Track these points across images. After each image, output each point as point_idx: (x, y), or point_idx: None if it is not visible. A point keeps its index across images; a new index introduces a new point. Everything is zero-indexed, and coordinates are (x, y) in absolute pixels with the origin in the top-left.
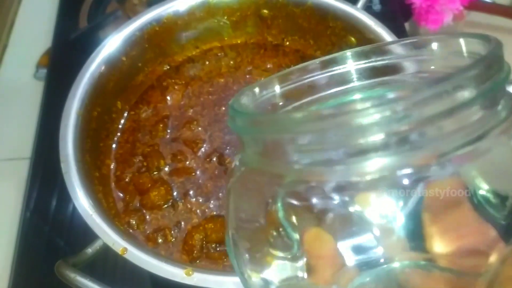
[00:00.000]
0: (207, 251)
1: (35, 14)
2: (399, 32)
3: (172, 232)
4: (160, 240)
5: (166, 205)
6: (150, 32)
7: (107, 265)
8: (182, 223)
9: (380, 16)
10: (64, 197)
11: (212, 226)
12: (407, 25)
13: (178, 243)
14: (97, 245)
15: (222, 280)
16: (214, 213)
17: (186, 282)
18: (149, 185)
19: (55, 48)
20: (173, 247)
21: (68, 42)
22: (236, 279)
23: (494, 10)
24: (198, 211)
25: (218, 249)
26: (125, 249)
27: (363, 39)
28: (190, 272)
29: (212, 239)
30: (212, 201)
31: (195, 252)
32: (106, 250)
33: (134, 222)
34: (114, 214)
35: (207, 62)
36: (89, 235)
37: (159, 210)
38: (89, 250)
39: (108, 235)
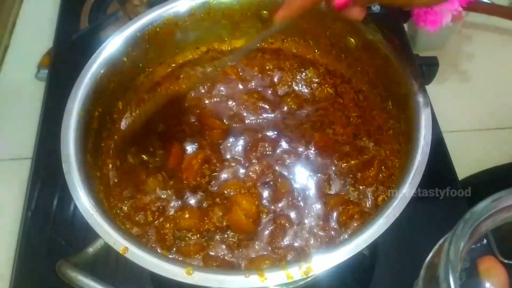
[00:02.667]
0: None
1: (37, 15)
2: (398, 33)
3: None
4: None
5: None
6: (151, 33)
7: (108, 264)
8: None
9: (379, 17)
10: (65, 196)
11: (181, 214)
12: (406, 26)
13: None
14: (98, 244)
15: (223, 279)
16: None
17: (187, 281)
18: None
19: (56, 48)
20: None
21: (69, 42)
22: (236, 278)
23: (492, 11)
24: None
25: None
26: (126, 249)
27: (362, 40)
28: (191, 271)
29: (181, 226)
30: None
31: (167, 241)
32: (107, 250)
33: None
34: (115, 214)
35: (208, 63)
36: (90, 235)
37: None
38: (90, 250)
39: (109, 235)
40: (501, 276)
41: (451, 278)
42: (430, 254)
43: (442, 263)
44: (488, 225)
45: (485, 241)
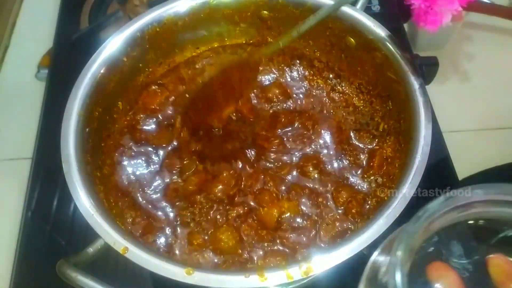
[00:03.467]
0: None
1: (37, 15)
2: (398, 33)
3: None
4: None
5: None
6: (151, 33)
7: (108, 264)
8: None
9: (379, 17)
10: (65, 197)
11: None
12: (406, 26)
13: None
14: (98, 244)
15: (223, 279)
16: None
17: (187, 281)
18: None
19: (56, 48)
20: None
21: (70, 42)
22: (236, 278)
23: (492, 11)
24: None
25: None
26: (126, 249)
27: (362, 40)
28: (191, 271)
29: None
30: None
31: None
32: (107, 250)
33: None
34: (115, 214)
35: (207, 63)
36: (90, 235)
37: None
38: (90, 250)
39: (109, 235)
40: (450, 280)
41: (398, 276)
42: (376, 253)
43: (390, 261)
44: (441, 223)
45: (436, 238)
